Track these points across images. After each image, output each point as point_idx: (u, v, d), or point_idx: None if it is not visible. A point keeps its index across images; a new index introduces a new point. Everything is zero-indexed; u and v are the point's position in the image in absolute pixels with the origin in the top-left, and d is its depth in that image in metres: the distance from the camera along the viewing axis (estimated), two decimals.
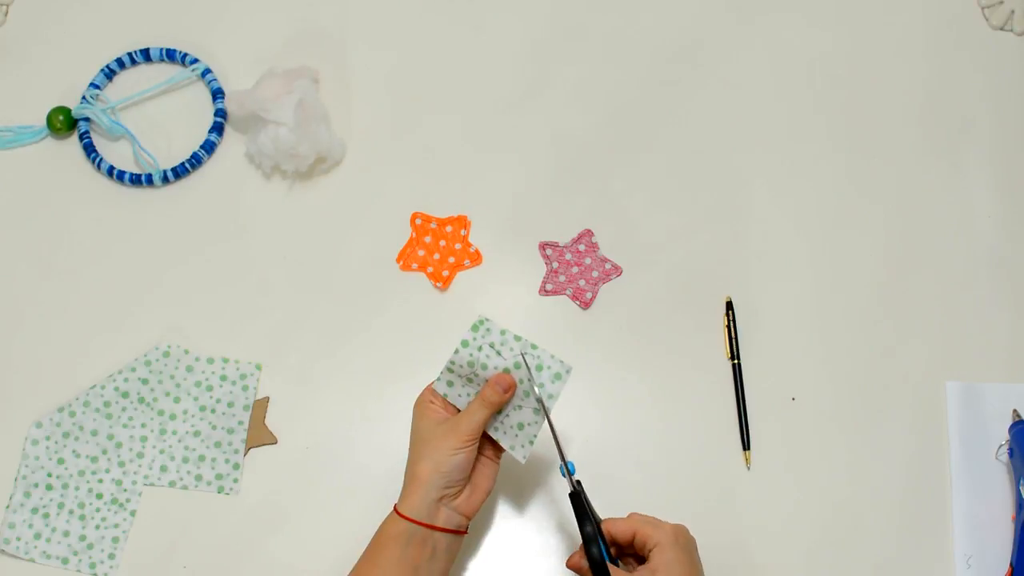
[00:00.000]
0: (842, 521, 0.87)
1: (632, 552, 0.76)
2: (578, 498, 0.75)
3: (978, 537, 0.85)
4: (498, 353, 0.78)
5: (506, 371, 0.77)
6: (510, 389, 0.77)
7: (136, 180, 0.97)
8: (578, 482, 0.76)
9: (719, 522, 0.86)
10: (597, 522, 0.75)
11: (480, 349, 0.78)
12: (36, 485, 0.87)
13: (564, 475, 0.76)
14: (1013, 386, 0.90)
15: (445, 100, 1.01)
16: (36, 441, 0.88)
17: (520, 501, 0.87)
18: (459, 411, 0.79)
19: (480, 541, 0.86)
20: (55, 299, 0.94)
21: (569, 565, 0.76)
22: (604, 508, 0.87)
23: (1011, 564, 0.83)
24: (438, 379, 0.79)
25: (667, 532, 0.74)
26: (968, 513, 0.86)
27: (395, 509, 0.76)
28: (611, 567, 0.73)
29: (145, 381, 0.90)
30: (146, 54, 1.02)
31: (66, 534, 0.86)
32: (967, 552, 0.85)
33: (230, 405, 0.89)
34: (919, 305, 0.93)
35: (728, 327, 0.92)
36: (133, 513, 0.87)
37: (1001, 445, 0.87)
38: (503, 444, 0.78)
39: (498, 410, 0.77)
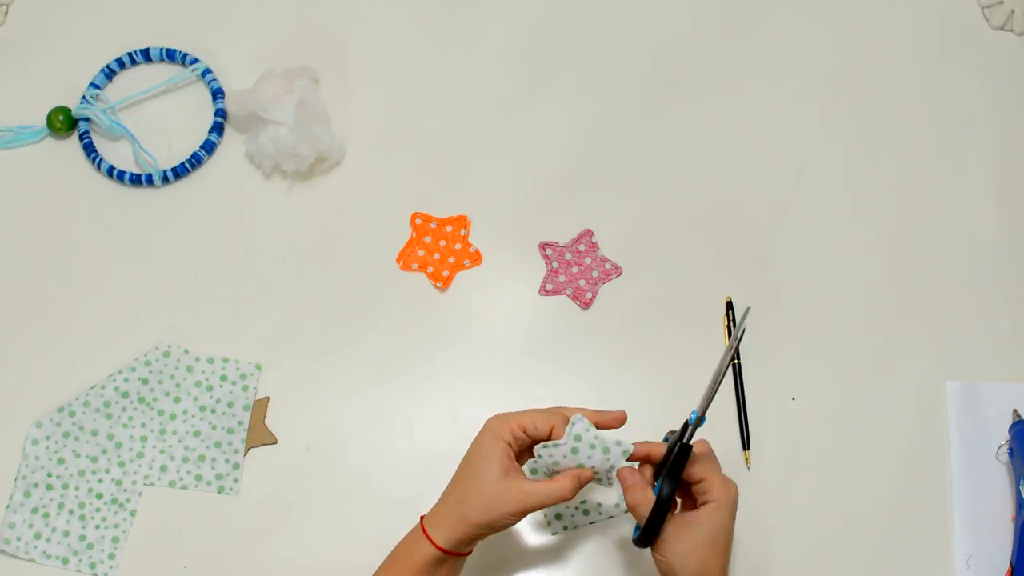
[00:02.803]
0: (842, 521, 0.87)
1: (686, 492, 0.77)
2: (686, 451, 0.74)
3: (978, 537, 0.85)
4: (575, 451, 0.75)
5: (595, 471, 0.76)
6: (585, 483, 0.75)
7: (136, 180, 0.97)
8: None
9: None
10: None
11: (575, 452, 0.75)
12: (36, 485, 0.87)
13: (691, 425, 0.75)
14: (1013, 386, 0.90)
15: (445, 100, 1.01)
16: (36, 441, 0.88)
17: None
18: (520, 464, 0.77)
19: None
20: (55, 299, 0.94)
21: (630, 484, 0.74)
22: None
23: (1011, 564, 0.83)
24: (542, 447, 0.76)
25: (731, 494, 0.74)
26: (968, 513, 0.86)
27: (429, 538, 0.75)
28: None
29: (145, 381, 0.90)
30: (146, 54, 1.02)
31: (66, 534, 0.86)
32: (967, 552, 0.85)
33: (230, 405, 0.89)
34: (919, 305, 0.93)
35: (728, 327, 0.92)
36: (133, 513, 0.87)
37: (1001, 445, 0.87)
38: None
39: (561, 500, 0.75)
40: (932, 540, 0.86)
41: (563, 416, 0.76)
